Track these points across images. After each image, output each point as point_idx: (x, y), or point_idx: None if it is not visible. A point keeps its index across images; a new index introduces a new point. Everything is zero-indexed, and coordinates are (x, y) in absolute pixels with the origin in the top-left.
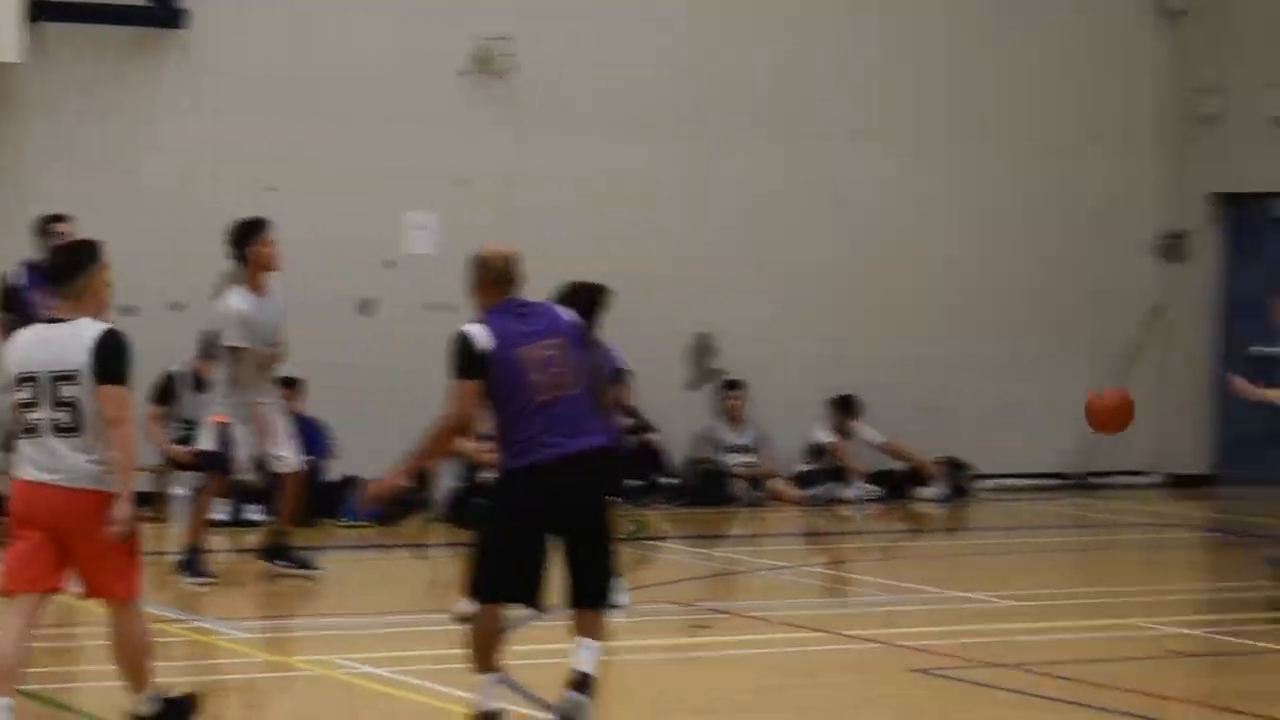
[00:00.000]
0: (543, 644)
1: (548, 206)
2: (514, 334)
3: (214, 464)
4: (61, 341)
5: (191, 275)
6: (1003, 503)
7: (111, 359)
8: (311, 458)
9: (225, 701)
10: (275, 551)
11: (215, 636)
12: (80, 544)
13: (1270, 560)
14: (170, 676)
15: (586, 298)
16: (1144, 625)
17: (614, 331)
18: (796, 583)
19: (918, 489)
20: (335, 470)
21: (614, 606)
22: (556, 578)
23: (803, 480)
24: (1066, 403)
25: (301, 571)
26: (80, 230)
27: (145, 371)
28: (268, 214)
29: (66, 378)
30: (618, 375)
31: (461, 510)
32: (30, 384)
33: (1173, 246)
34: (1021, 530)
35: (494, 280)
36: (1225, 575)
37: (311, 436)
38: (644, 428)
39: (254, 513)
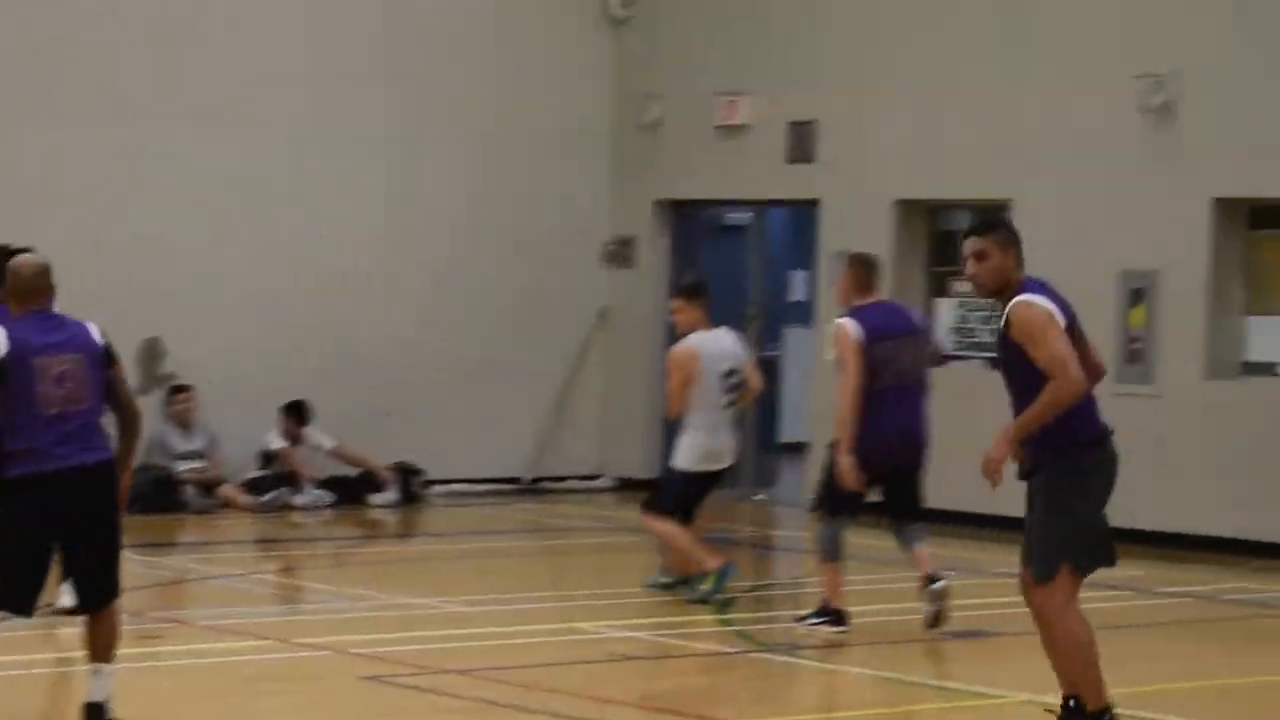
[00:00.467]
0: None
1: None
2: (34, 344)
3: None
4: None
5: None
6: (455, 508)
7: None
8: None
9: None
10: None
11: None
12: None
13: (653, 583)
14: None
15: None
16: (592, 629)
17: None
18: (249, 590)
19: (370, 495)
20: None
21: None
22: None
23: (254, 486)
24: (519, 407)
25: None
26: None
27: None
28: None
29: None
30: None
31: None
32: None
33: (620, 252)
34: (474, 535)
35: (24, 290)
36: None
37: None
38: None
39: None
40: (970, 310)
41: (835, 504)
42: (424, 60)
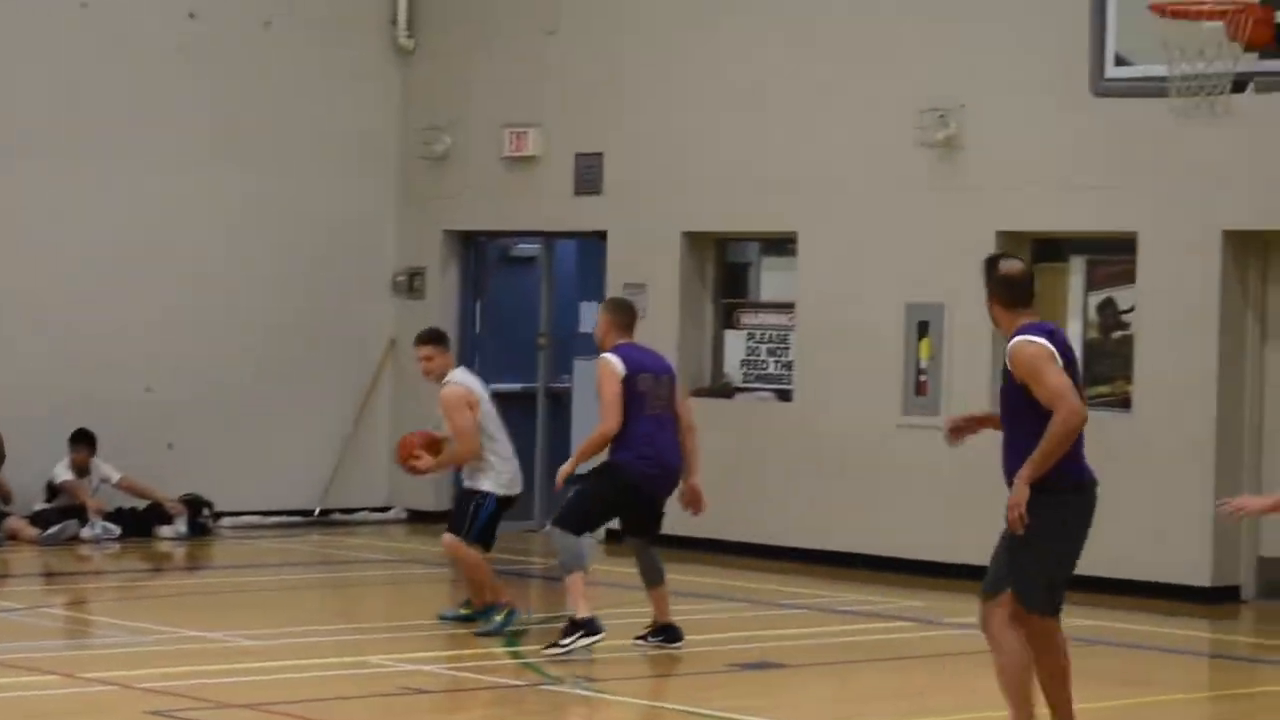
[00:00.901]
0: None
1: None
2: None
3: None
4: None
5: None
6: (245, 540)
7: None
8: None
9: None
10: None
11: None
12: None
13: (451, 615)
14: None
15: None
16: (383, 662)
17: None
18: (35, 625)
19: (159, 527)
20: None
21: None
22: None
23: (40, 519)
24: (309, 438)
25: None
26: None
27: None
28: None
29: None
30: None
31: None
32: None
33: (410, 283)
34: (263, 568)
35: None
36: None
37: None
38: None
39: None
40: (758, 342)
41: (583, 522)
42: (212, 88)
